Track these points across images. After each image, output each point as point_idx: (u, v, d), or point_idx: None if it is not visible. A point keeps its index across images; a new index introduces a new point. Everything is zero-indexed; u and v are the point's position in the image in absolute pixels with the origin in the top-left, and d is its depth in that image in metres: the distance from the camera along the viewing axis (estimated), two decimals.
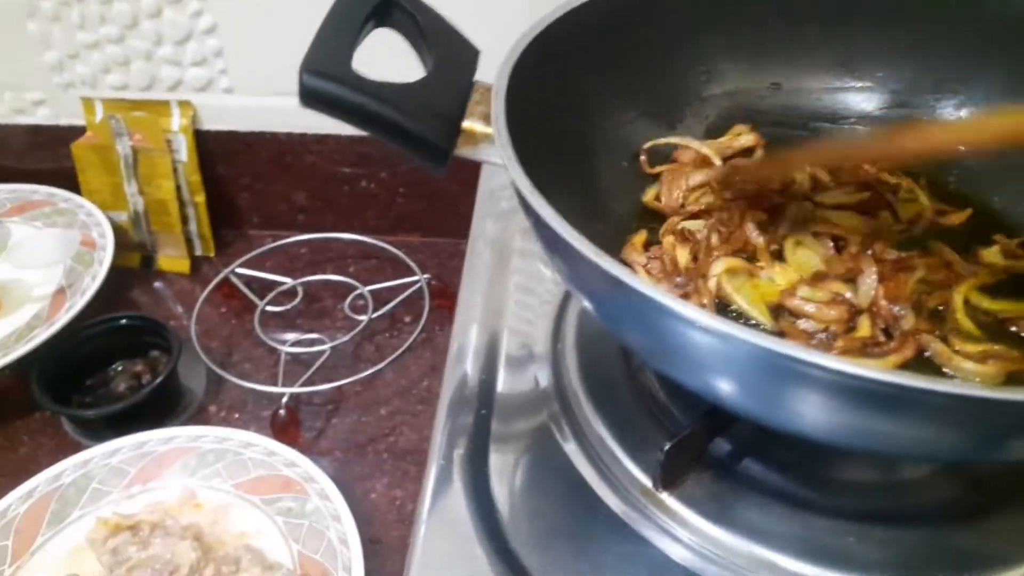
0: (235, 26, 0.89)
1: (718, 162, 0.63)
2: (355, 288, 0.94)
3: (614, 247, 0.59)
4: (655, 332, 0.41)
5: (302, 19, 0.54)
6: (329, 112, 0.49)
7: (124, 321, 0.84)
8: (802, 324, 0.52)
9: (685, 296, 0.54)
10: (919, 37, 0.64)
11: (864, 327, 0.50)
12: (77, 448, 0.76)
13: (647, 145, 0.65)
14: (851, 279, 0.53)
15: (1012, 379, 0.49)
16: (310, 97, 0.48)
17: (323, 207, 1.01)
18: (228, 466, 0.74)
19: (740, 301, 0.54)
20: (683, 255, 0.55)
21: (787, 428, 0.42)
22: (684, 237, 0.57)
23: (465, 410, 0.58)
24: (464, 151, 0.53)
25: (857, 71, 0.67)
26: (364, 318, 0.90)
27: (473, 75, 0.55)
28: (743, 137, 0.66)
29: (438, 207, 1.00)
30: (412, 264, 0.96)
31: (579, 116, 0.59)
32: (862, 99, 0.67)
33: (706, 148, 0.64)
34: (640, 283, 0.39)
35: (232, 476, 0.74)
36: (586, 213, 0.58)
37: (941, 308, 0.53)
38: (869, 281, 0.52)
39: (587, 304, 0.48)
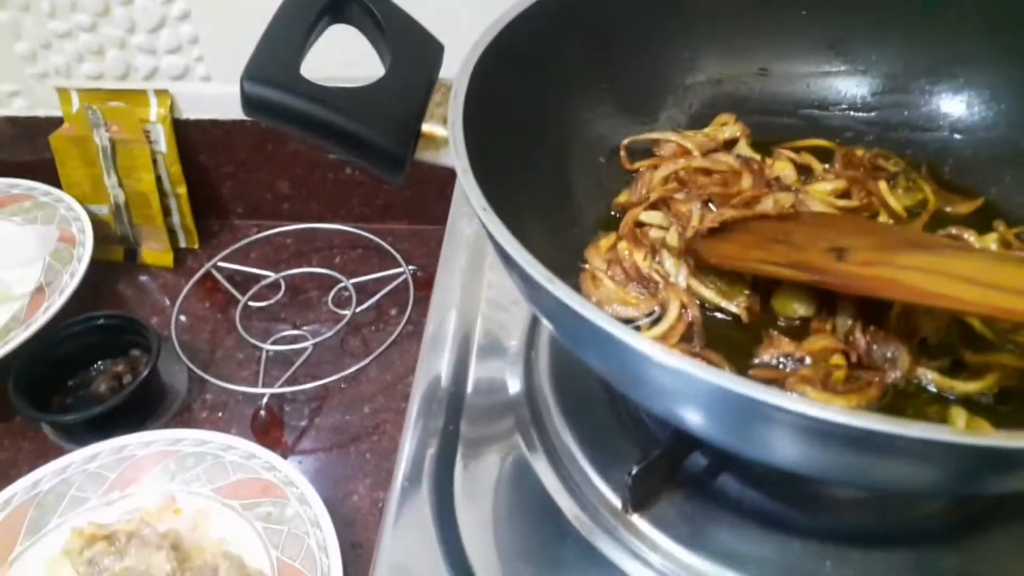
0: (210, 11, 0.86)
1: (697, 154, 0.60)
2: (339, 281, 0.92)
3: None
4: (611, 360, 0.39)
5: (279, 3, 0.51)
6: (275, 121, 0.46)
7: (102, 320, 0.83)
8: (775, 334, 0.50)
9: (654, 299, 0.52)
10: (914, 17, 0.60)
11: (842, 366, 0.47)
12: (58, 452, 0.75)
13: (626, 141, 0.61)
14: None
15: (1004, 393, 0.47)
16: (254, 106, 0.45)
17: (308, 195, 0.99)
18: (208, 470, 0.73)
19: (711, 296, 0.51)
20: (640, 257, 0.53)
21: (754, 458, 0.40)
22: (637, 240, 0.54)
23: (435, 413, 0.56)
24: (425, 155, 0.51)
25: (848, 54, 0.63)
26: (348, 312, 0.87)
27: (436, 73, 0.52)
28: (727, 128, 0.63)
29: (426, 193, 0.97)
30: (397, 255, 0.93)
31: (552, 113, 0.56)
32: (854, 84, 0.63)
33: (687, 141, 0.61)
34: (593, 311, 0.36)
35: (212, 480, 0.72)
36: (559, 215, 0.56)
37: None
38: (847, 312, 0.49)
39: (546, 323, 0.45)
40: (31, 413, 0.77)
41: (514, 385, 0.58)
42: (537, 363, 0.58)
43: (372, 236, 0.96)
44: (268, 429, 0.79)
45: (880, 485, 0.42)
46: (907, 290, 0.43)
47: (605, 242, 0.56)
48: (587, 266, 0.54)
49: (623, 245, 0.54)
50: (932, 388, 0.47)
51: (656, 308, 0.52)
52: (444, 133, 0.49)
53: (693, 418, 0.39)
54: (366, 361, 0.83)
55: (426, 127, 0.49)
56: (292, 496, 0.70)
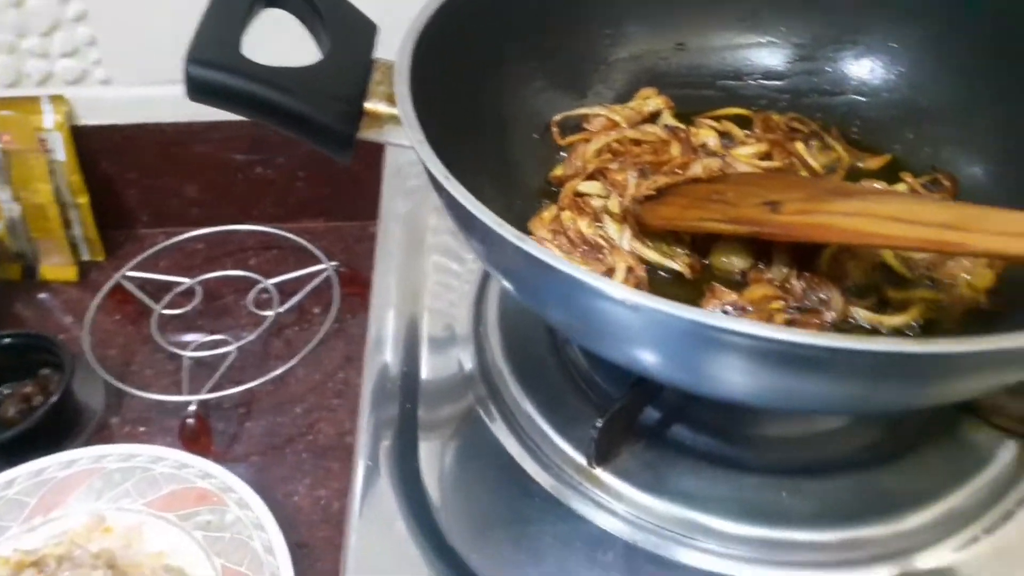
0: (108, 12, 0.83)
1: (626, 127, 0.62)
2: (258, 282, 0.89)
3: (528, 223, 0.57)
4: (576, 309, 0.41)
5: (182, 1, 0.50)
6: (220, 104, 0.45)
7: (7, 340, 0.78)
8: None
9: (601, 264, 0.54)
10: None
11: (782, 312, 0.51)
12: None
13: (557, 117, 0.63)
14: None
15: (929, 324, 0.51)
16: (198, 89, 0.44)
17: (218, 198, 0.96)
18: (137, 484, 0.70)
19: (655, 256, 0.54)
20: (584, 225, 0.54)
21: (712, 394, 0.42)
22: (580, 208, 0.56)
23: (388, 402, 0.56)
24: (368, 134, 0.51)
25: (759, 27, 0.67)
26: (270, 313, 0.86)
27: (372, 53, 0.52)
28: (650, 101, 0.65)
29: (341, 189, 0.96)
30: (318, 252, 0.92)
31: (487, 89, 0.57)
32: (766, 54, 0.67)
33: (615, 115, 0.63)
34: (561, 262, 0.38)
35: (142, 494, 0.70)
36: (500, 189, 0.57)
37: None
38: (782, 261, 0.52)
39: (506, 284, 0.46)
40: None
41: (467, 364, 0.58)
42: (488, 340, 0.59)
43: (289, 235, 0.94)
44: (197, 437, 0.76)
45: (816, 405, 0.45)
46: (842, 233, 0.46)
47: (548, 213, 0.57)
48: (533, 237, 0.56)
49: (567, 215, 0.56)
50: (865, 324, 0.51)
51: (604, 272, 0.53)
52: (387, 110, 0.50)
53: (651, 358, 0.41)
54: (293, 361, 0.82)
55: (369, 105, 0.49)
56: (231, 501, 0.68)
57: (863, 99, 0.64)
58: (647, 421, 0.53)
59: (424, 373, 0.58)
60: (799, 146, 0.61)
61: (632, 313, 0.38)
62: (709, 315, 0.36)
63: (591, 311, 0.40)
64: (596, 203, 0.57)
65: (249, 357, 0.84)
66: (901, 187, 0.59)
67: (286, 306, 0.87)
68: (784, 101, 0.66)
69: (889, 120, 0.63)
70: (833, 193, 0.49)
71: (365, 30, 0.53)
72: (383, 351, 0.60)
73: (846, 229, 0.46)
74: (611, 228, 0.55)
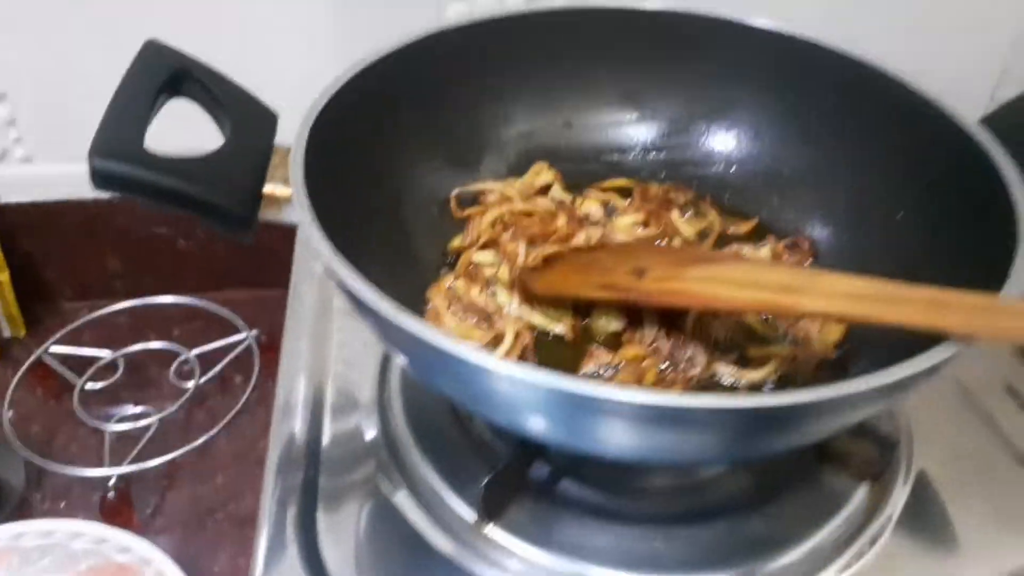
0: (27, 92, 0.85)
1: (518, 200, 0.67)
2: (180, 354, 0.91)
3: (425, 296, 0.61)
4: (464, 382, 0.44)
5: (99, 81, 0.54)
6: (125, 192, 0.48)
7: None
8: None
9: (492, 329, 0.58)
10: (690, 73, 0.71)
11: (652, 369, 0.55)
12: None
13: (455, 192, 0.68)
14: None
15: (786, 377, 0.56)
16: (103, 181, 0.47)
17: (140, 270, 0.98)
18: (56, 561, 0.70)
19: (540, 321, 0.58)
20: (476, 293, 0.59)
21: (583, 451, 0.46)
22: (472, 276, 0.60)
23: (294, 470, 0.59)
24: (269, 215, 0.54)
25: (638, 105, 0.73)
26: (191, 384, 0.88)
27: (272, 138, 0.56)
28: (542, 175, 0.70)
29: (262, 258, 0.99)
30: (239, 321, 0.94)
31: (384, 170, 0.62)
32: (645, 130, 0.73)
33: (508, 189, 0.68)
34: (444, 339, 0.41)
35: (61, 571, 0.70)
36: (397, 264, 0.60)
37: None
38: (650, 323, 0.57)
39: (397, 358, 0.50)
40: None
41: (370, 432, 0.61)
42: (391, 407, 0.62)
43: (211, 305, 0.97)
44: (119, 510, 0.77)
45: (679, 457, 0.49)
46: (695, 298, 0.51)
47: (444, 282, 0.61)
48: (430, 305, 0.60)
49: (460, 283, 0.60)
50: (727, 380, 0.56)
51: (494, 337, 0.57)
52: (285, 192, 0.53)
53: (527, 421, 0.44)
54: (213, 431, 0.84)
55: (267, 188, 0.53)
56: (150, 574, 0.69)
57: (733, 169, 0.71)
58: (537, 476, 0.56)
59: (326, 440, 0.60)
60: (674, 214, 0.66)
61: (509, 383, 0.41)
62: (566, 381, 0.39)
63: (474, 381, 0.43)
64: (488, 272, 0.61)
65: (172, 428, 0.85)
66: (766, 249, 0.65)
67: (205, 377, 0.89)
68: (664, 171, 0.72)
69: (756, 187, 0.69)
70: (692, 260, 0.53)
71: (265, 118, 0.57)
72: (290, 418, 0.63)
73: (698, 294, 0.51)
74: (501, 295, 0.59)
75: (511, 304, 0.59)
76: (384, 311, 0.43)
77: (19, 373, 0.88)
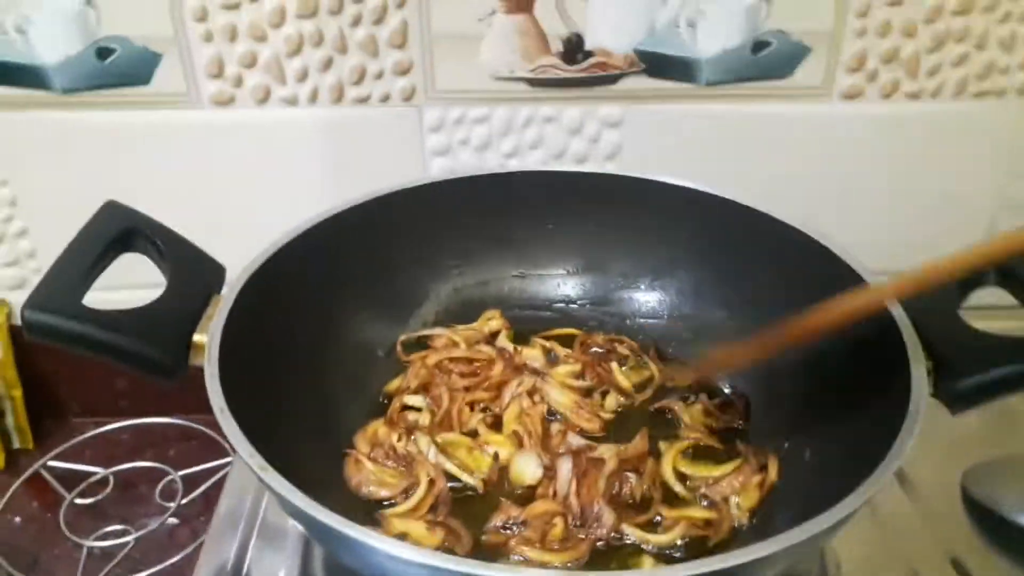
0: (46, 229, 0.93)
1: (464, 346, 0.69)
2: (168, 473, 0.95)
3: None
4: (350, 557, 0.45)
5: None
6: (57, 343, 0.53)
7: None
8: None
9: (410, 475, 0.59)
10: (635, 234, 0.74)
11: (558, 526, 0.56)
12: None
13: (403, 337, 0.71)
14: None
15: (692, 542, 0.55)
16: (33, 331, 0.52)
17: (144, 390, 1.03)
18: None
19: (453, 469, 0.59)
20: (395, 439, 0.60)
21: None
22: (393, 422, 0.62)
23: None
24: (199, 361, 0.58)
25: (589, 263, 0.77)
26: (173, 504, 0.91)
27: (215, 289, 0.60)
28: (493, 322, 0.73)
29: None
30: (226, 444, 0.98)
31: (319, 318, 0.65)
32: (593, 283, 0.76)
33: (456, 335, 0.71)
34: (328, 516, 0.43)
35: None
36: (327, 412, 0.63)
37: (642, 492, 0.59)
38: (564, 479, 0.57)
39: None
40: None
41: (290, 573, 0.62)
42: (314, 548, 0.63)
43: (205, 428, 1.01)
44: None
45: None
46: None
47: (371, 428, 0.63)
48: (352, 451, 0.62)
49: (383, 430, 0.62)
50: (633, 541, 0.55)
51: (409, 483, 0.59)
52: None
53: None
54: (188, 550, 0.86)
55: (196, 337, 0.57)
56: None
57: (678, 323, 0.72)
58: None
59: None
60: (613, 366, 0.68)
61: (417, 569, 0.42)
62: (460, 563, 0.40)
63: (354, 555, 0.44)
64: (412, 417, 0.63)
65: (151, 547, 0.88)
66: (698, 407, 0.66)
67: (188, 498, 0.92)
68: (611, 323, 0.74)
69: (701, 342, 0.70)
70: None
71: (209, 269, 0.61)
72: (223, 548, 0.64)
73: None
74: (422, 441, 0.61)
75: (429, 450, 0.60)
76: (252, 464, 0.45)
77: (16, 484, 0.93)
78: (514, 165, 0.86)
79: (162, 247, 0.59)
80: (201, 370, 0.56)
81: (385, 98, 0.85)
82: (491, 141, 0.87)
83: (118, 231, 0.58)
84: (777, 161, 0.87)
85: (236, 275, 0.60)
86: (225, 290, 0.60)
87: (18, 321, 0.98)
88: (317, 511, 0.43)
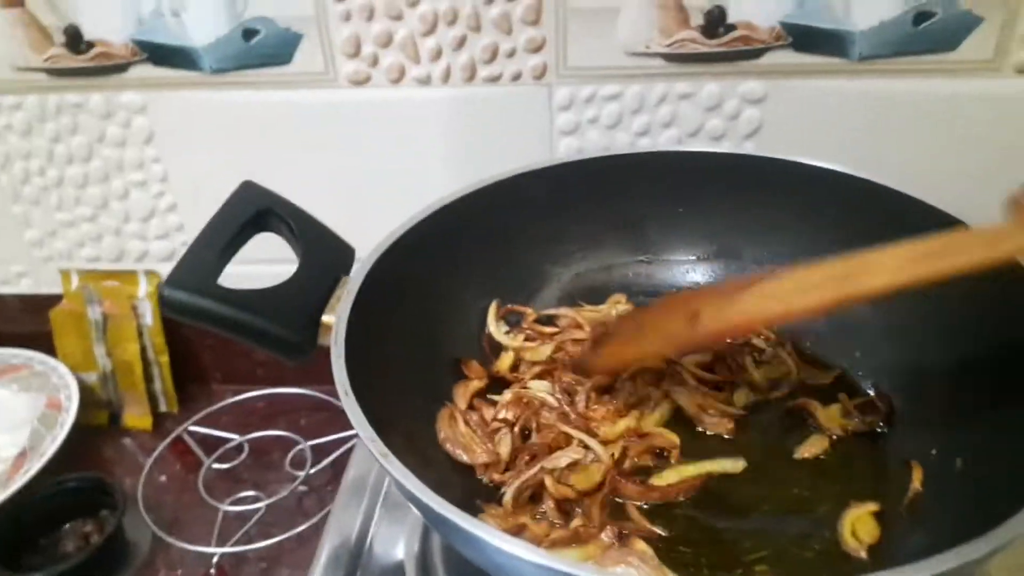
0: (192, 204, 0.98)
1: (587, 329, 0.67)
2: (298, 443, 0.98)
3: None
4: (472, 549, 0.45)
5: None
6: (191, 320, 0.55)
7: (74, 483, 0.90)
8: None
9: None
10: (770, 215, 0.70)
11: None
12: None
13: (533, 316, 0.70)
14: None
15: None
16: (171, 308, 0.54)
17: (280, 362, 1.07)
18: None
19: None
20: (505, 446, 0.59)
21: None
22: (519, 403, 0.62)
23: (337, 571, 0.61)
24: (327, 342, 0.58)
25: (719, 244, 0.73)
26: (302, 473, 0.94)
27: (343, 271, 0.61)
28: (620, 306, 0.71)
29: None
30: None
31: (441, 303, 0.65)
32: (723, 269, 0.73)
33: (582, 317, 0.69)
34: (464, 519, 0.42)
35: None
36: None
37: None
38: None
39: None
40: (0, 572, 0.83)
41: (411, 549, 0.62)
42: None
43: (334, 400, 1.03)
44: None
45: None
46: (757, 320, 0.54)
47: (475, 385, 0.63)
48: (449, 404, 0.62)
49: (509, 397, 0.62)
50: None
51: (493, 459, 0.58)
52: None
53: None
54: (315, 519, 0.89)
55: (325, 318, 0.57)
56: None
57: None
58: None
59: (367, 549, 0.62)
60: (747, 360, 0.64)
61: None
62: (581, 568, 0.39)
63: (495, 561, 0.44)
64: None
65: (280, 513, 0.92)
66: (836, 407, 0.61)
67: (316, 467, 0.95)
68: None
69: (839, 338, 0.65)
70: (739, 288, 0.53)
71: (340, 250, 0.62)
72: (349, 517, 0.65)
73: (760, 316, 0.52)
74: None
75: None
76: (374, 450, 0.45)
77: (161, 447, 0.98)
78: (645, 144, 0.83)
79: (295, 228, 0.60)
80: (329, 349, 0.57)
81: (516, 76, 0.83)
82: (622, 119, 0.84)
83: (254, 212, 0.59)
84: (937, 143, 0.80)
85: (364, 257, 0.60)
86: (353, 272, 0.60)
87: None
88: (433, 500, 0.42)
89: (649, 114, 0.83)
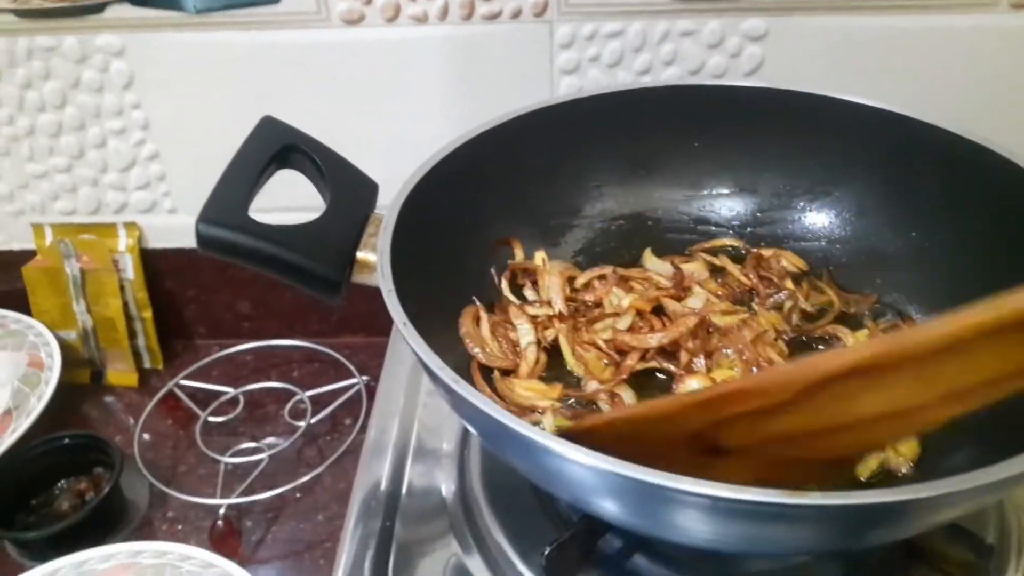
0: (176, 152, 0.94)
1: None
2: (296, 394, 0.97)
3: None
4: (520, 457, 0.45)
5: (238, 145, 0.59)
6: (227, 256, 0.53)
7: (67, 440, 0.87)
8: None
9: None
10: (792, 149, 0.70)
11: None
12: (20, 569, 0.77)
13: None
14: None
15: None
16: (207, 244, 0.52)
17: (267, 314, 1.05)
18: None
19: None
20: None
21: (659, 538, 0.45)
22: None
23: (373, 517, 0.61)
24: (361, 278, 0.58)
25: (739, 178, 0.73)
26: (303, 424, 0.93)
27: (370, 208, 0.60)
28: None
29: (380, 306, 1.03)
30: (351, 366, 0.99)
31: (469, 236, 0.64)
32: (744, 203, 0.73)
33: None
34: (501, 413, 0.42)
35: None
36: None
37: None
38: None
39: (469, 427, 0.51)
40: None
41: (448, 487, 0.63)
42: (469, 463, 0.63)
43: (328, 350, 1.02)
44: (225, 539, 0.83)
45: (770, 549, 0.48)
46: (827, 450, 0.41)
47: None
48: (478, 303, 0.63)
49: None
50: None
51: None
52: (375, 259, 0.56)
53: (599, 504, 0.44)
54: (319, 469, 0.88)
55: (360, 255, 0.56)
56: None
57: (836, 245, 0.69)
58: (607, 549, 0.56)
59: (405, 491, 0.63)
60: (788, 283, 0.65)
61: (577, 468, 0.40)
62: (647, 473, 0.38)
63: (529, 459, 0.44)
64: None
65: (282, 464, 0.90)
66: (863, 332, 0.62)
67: (317, 417, 0.94)
68: (764, 245, 0.71)
69: (858, 266, 0.67)
70: (783, 390, 0.40)
71: (366, 187, 0.60)
72: (377, 462, 0.65)
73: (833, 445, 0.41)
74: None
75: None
76: (444, 376, 0.44)
77: (152, 402, 0.96)
78: (647, 81, 0.83)
79: (320, 164, 0.59)
80: (349, 288, 0.56)
81: (516, 14, 0.82)
82: (623, 57, 0.83)
83: (278, 147, 0.58)
84: (938, 78, 0.81)
85: (392, 195, 0.59)
86: (382, 209, 0.59)
87: (149, 244, 1.00)
88: (510, 420, 0.42)
89: (651, 52, 0.82)
